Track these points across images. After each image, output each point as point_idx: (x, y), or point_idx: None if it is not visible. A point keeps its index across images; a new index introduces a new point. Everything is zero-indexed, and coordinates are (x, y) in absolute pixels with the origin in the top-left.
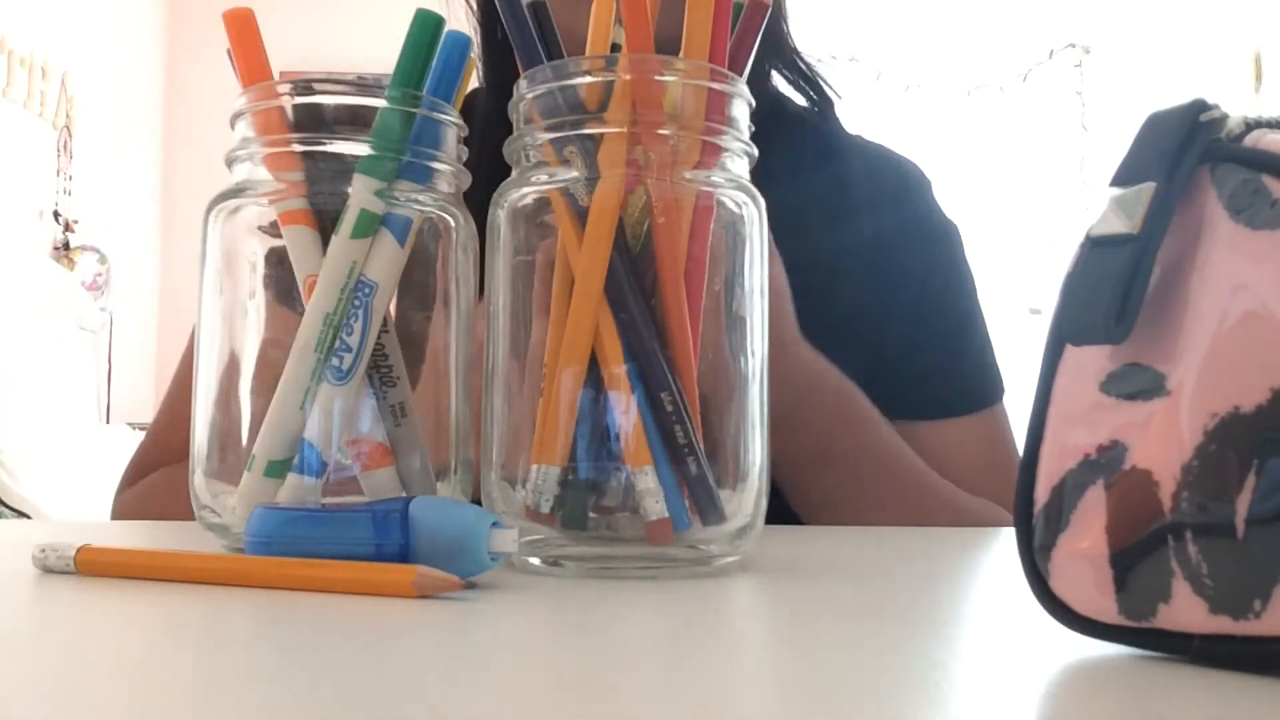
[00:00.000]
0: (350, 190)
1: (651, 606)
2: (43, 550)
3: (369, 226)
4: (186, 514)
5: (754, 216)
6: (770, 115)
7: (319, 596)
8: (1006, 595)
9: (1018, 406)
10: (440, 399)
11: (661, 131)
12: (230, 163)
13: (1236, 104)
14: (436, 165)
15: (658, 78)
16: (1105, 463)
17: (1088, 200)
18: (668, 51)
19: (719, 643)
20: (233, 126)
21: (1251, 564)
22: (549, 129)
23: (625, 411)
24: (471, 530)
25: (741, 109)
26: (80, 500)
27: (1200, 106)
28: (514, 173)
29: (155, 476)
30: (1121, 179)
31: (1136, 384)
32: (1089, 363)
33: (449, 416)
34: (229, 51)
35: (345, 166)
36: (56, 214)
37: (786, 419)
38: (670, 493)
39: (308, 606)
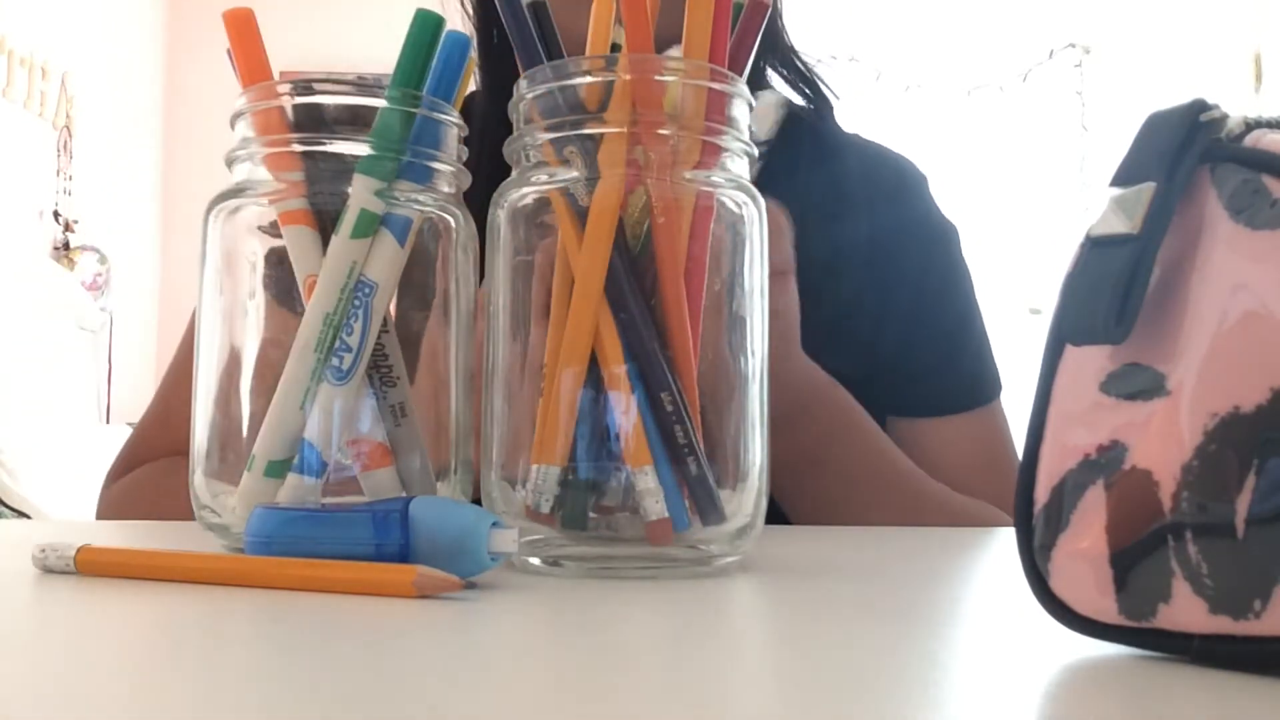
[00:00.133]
0: (350, 190)
1: (651, 606)
2: (43, 550)
3: (369, 226)
4: (171, 507)
5: (754, 216)
6: None
7: (319, 596)
8: (1006, 595)
9: (1018, 406)
10: (440, 399)
11: (661, 131)
12: (230, 163)
13: (1236, 104)
14: (436, 165)
15: (658, 78)
16: (1105, 463)
17: (1088, 200)
18: None
19: (719, 643)
20: (233, 126)
21: (1251, 564)
22: (549, 129)
23: (625, 411)
24: (471, 530)
25: (741, 109)
26: (80, 500)
27: (1200, 106)
28: (514, 173)
29: (140, 472)
30: (1121, 179)
31: (1136, 384)
32: (1089, 363)
33: (449, 416)
34: (229, 51)
35: (345, 166)
36: (56, 214)
37: (781, 425)
38: (670, 493)
39: (308, 606)
